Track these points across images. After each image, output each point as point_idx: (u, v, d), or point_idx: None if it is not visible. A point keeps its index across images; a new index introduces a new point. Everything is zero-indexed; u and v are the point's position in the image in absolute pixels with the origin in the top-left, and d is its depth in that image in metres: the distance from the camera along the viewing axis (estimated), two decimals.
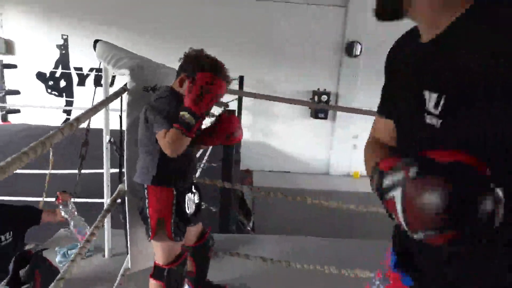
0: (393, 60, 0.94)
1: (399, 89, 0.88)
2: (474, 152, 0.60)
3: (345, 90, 6.99)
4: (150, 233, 1.76)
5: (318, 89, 6.93)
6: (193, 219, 1.91)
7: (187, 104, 1.54)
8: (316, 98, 6.91)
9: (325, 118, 7.09)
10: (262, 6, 6.62)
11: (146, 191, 1.75)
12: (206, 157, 4.15)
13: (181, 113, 1.54)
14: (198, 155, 3.04)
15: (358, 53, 6.74)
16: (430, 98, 0.74)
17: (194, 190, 1.91)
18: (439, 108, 0.72)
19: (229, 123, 1.76)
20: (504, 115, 0.62)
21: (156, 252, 1.82)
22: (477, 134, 0.66)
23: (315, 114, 7.03)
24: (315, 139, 7.34)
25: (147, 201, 1.75)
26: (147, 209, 1.75)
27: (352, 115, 7.17)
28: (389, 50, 0.97)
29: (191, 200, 1.86)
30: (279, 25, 6.73)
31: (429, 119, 0.75)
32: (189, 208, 1.84)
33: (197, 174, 3.31)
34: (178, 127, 1.54)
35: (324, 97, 6.91)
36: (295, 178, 7.17)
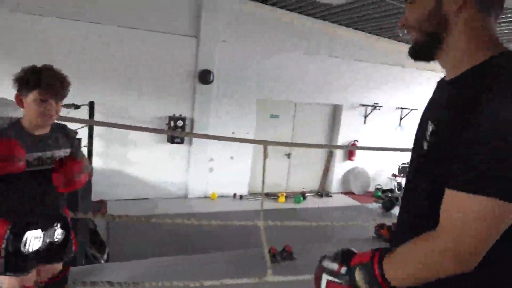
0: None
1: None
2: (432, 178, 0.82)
3: (200, 115, 7.30)
4: None
5: (174, 114, 7.06)
6: (48, 257, 1.82)
7: None
8: (172, 123, 7.02)
9: (182, 142, 7.24)
10: (117, 31, 6.47)
11: None
12: None
13: None
14: None
15: (211, 80, 7.16)
16: (428, 127, 0.86)
17: (54, 227, 1.81)
18: (429, 134, 0.85)
19: (67, 167, 1.70)
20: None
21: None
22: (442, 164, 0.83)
23: (171, 139, 7.11)
24: (172, 163, 7.39)
25: None
26: None
27: (207, 140, 7.53)
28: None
29: (35, 238, 1.72)
30: (134, 50, 6.68)
31: (425, 145, 0.89)
32: (27, 246, 1.70)
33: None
34: None
35: (180, 122, 7.08)
36: (153, 203, 7.05)
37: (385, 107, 8.92)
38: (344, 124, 8.63)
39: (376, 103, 8.70)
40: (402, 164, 8.59)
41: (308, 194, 8.49)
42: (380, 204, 8.05)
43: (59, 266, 1.97)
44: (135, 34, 6.60)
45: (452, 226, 0.80)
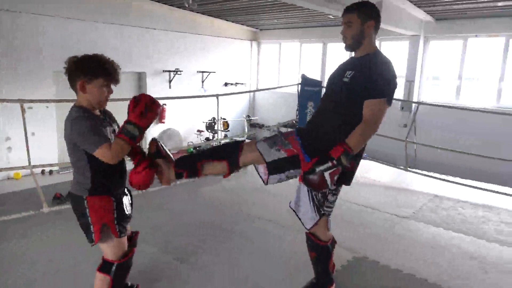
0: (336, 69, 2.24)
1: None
2: (353, 95, 1.98)
3: None
4: (93, 238, 1.91)
5: None
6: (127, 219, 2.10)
7: (132, 118, 1.77)
8: None
9: None
10: None
11: (85, 202, 1.90)
12: None
13: (126, 125, 1.77)
14: None
15: None
16: (347, 73, 2.04)
17: (126, 192, 2.10)
18: (349, 76, 2.02)
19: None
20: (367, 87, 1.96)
21: (105, 250, 1.99)
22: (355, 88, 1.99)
23: None
24: None
25: (87, 210, 1.90)
26: (89, 218, 1.90)
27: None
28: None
29: (129, 202, 2.07)
30: None
31: (346, 80, 2.02)
32: (127, 209, 2.03)
33: None
34: (123, 137, 1.76)
35: None
36: None
37: (187, 72, 9.80)
38: (150, 90, 9.15)
39: (177, 68, 9.48)
40: (209, 121, 9.76)
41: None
42: None
43: (129, 228, 2.21)
44: None
45: (373, 115, 1.92)
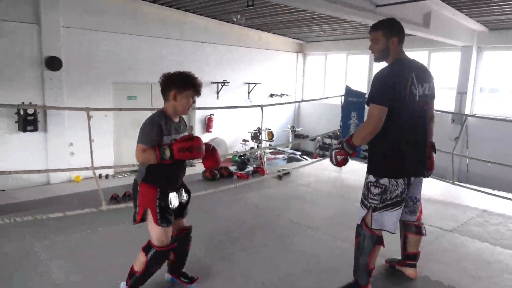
0: None
1: None
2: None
3: (52, 102, 7.40)
4: (136, 218, 2.27)
5: (23, 102, 7.04)
6: (178, 213, 2.42)
7: (174, 147, 2.12)
8: (21, 111, 7.00)
9: (36, 130, 7.28)
10: None
11: (138, 186, 2.27)
12: None
13: (166, 148, 2.12)
14: None
15: (59, 67, 7.28)
16: None
17: (181, 191, 2.42)
18: None
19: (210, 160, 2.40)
20: (370, 93, 2.36)
21: (151, 234, 2.30)
22: None
23: (23, 128, 7.10)
24: (28, 152, 7.38)
25: (137, 193, 2.27)
26: (137, 200, 2.27)
27: (64, 125, 7.68)
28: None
29: (175, 198, 2.33)
30: None
31: None
32: (172, 203, 2.30)
33: None
34: (157, 153, 2.12)
35: (31, 110, 7.10)
36: (12, 194, 7.02)
37: (234, 83, 10.15)
38: (199, 100, 9.55)
39: (225, 80, 9.85)
40: (254, 131, 10.01)
41: None
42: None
43: (183, 223, 2.55)
44: None
45: (372, 118, 2.27)
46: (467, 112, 8.64)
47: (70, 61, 7.54)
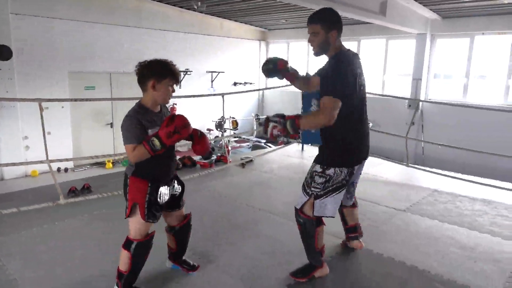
0: None
1: None
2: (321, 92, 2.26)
3: (3, 93, 7.02)
4: (126, 212, 2.22)
5: None
6: (175, 205, 2.43)
7: (161, 134, 2.01)
8: None
9: None
10: None
11: (128, 180, 2.21)
12: None
13: (154, 138, 2.02)
14: None
15: (9, 56, 6.90)
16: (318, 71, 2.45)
17: (174, 184, 2.37)
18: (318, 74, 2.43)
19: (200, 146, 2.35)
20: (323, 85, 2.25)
21: (130, 228, 2.25)
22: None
23: None
24: None
25: (127, 187, 2.22)
26: (127, 194, 2.22)
27: (18, 118, 7.32)
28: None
29: (166, 192, 2.27)
30: None
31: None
32: (161, 198, 2.25)
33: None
34: (146, 147, 2.02)
35: None
36: None
37: (196, 72, 10.04)
38: None
39: (187, 69, 9.72)
40: (218, 120, 9.97)
41: None
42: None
43: (182, 212, 2.53)
44: None
45: (326, 110, 2.17)
46: (422, 97, 9.03)
47: (21, 50, 7.16)
